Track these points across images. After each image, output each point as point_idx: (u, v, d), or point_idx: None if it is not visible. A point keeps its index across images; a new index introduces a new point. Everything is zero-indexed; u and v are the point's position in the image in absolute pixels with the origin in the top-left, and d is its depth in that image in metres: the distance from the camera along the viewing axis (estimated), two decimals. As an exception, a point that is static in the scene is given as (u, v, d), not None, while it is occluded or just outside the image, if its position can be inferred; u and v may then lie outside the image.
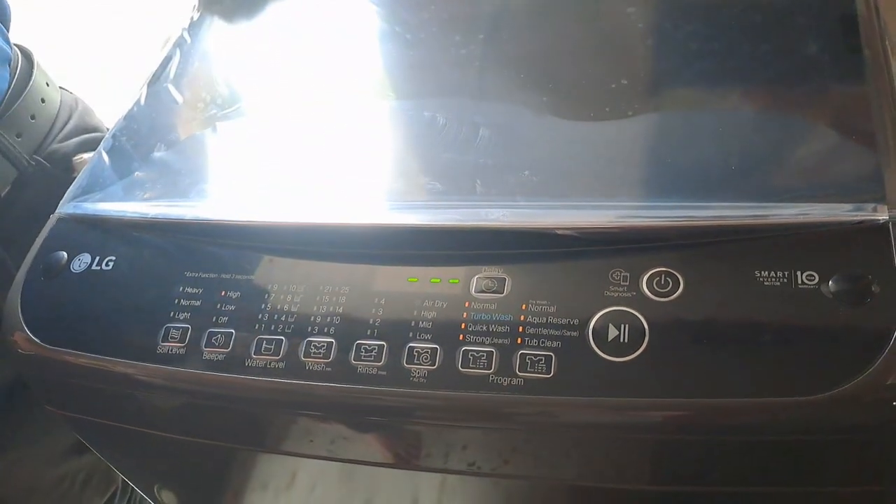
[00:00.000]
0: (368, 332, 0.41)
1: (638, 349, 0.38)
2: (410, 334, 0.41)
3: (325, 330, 0.42)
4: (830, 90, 0.46)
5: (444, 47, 0.58)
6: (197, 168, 0.55)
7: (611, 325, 0.38)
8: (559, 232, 0.42)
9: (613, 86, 0.50)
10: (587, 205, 0.43)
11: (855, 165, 0.41)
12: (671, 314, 0.38)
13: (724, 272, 0.39)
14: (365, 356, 0.41)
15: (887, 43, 0.46)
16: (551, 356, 0.38)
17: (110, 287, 0.47)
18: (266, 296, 0.44)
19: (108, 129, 0.69)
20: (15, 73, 0.64)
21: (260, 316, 0.43)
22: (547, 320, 0.39)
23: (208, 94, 0.61)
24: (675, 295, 0.38)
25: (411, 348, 0.40)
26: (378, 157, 0.52)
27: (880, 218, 0.38)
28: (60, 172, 0.65)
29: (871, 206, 0.38)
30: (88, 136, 0.70)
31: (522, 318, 0.40)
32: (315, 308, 0.43)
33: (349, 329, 0.42)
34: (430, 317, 0.41)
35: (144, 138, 0.58)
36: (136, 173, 0.55)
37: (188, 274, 0.46)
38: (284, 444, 0.48)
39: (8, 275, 0.52)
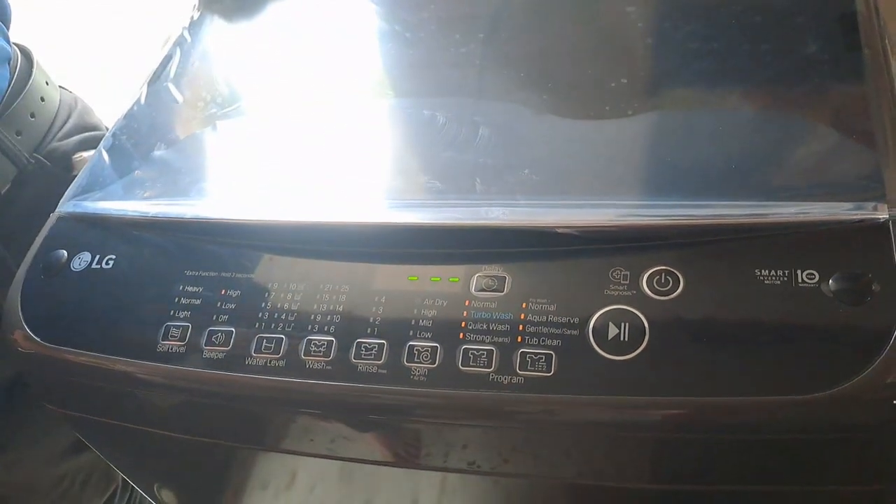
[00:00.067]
0: (369, 331, 0.41)
1: (638, 348, 0.38)
2: (410, 333, 0.41)
3: (326, 328, 0.42)
4: (830, 89, 0.46)
5: (444, 46, 0.58)
6: (197, 167, 0.55)
7: (611, 324, 0.38)
8: (559, 231, 0.42)
9: (613, 85, 0.50)
10: (587, 203, 0.43)
11: (855, 164, 0.41)
12: (671, 313, 0.38)
13: (724, 271, 0.39)
14: (365, 355, 0.41)
15: (887, 42, 0.47)
16: (551, 355, 0.38)
17: (110, 285, 0.47)
18: (266, 294, 0.44)
19: (107, 128, 0.69)
20: (15, 72, 0.64)
21: (260, 314, 0.43)
22: (547, 319, 0.39)
23: (208, 93, 0.61)
24: (675, 294, 0.39)
25: (411, 347, 0.40)
26: (378, 155, 0.52)
27: (880, 217, 0.38)
28: (60, 171, 0.65)
29: (871, 204, 0.38)
30: (88, 134, 0.70)
31: (523, 316, 0.40)
32: (315, 306, 0.43)
33: (349, 327, 0.42)
34: (430, 315, 0.41)
35: (144, 137, 0.58)
36: (137, 172, 0.55)
37: (188, 272, 0.46)
38: (284, 443, 0.48)
39: (8, 273, 0.52)
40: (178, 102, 0.60)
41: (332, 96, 0.58)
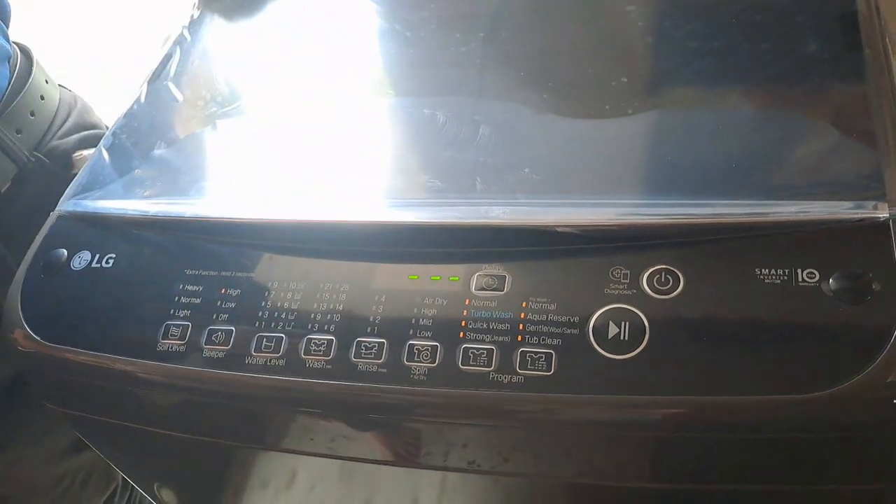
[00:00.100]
0: (369, 330, 0.41)
1: (638, 347, 0.38)
2: (411, 332, 0.41)
3: (326, 327, 0.42)
4: (831, 88, 0.46)
5: (445, 45, 0.58)
6: (197, 166, 0.55)
7: (611, 323, 0.38)
8: (559, 230, 0.42)
9: (613, 84, 0.50)
10: (587, 202, 0.43)
11: (855, 163, 0.41)
12: (671, 312, 0.38)
13: (724, 270, 0.39)
14: (365, 353, 0.41)
15: (888, 41, 0.46)
16: (551, 354, 0.38)
17: (110, 284, 0.47)
18: (266, 293, 0.44)
19: (107, 127, 0.70)
20: (14, 71, 0.64)
21: (260, 313, 0.43)
22: (547, 318, 0.39)
23: (208, 92, 0.61)
24: (675, 292, 0.38)
25: (411, 346, 0.40)
26: (378, 154, 0.52)
27: (881, 216, 0.38)
28: (60, 169, 0.65)
29: (871, 203, 0.38)
30: (88, 133, 0.70)
31: (523, 315, 0.40)
32: (315, 305, 0.43)
33: (349, 326, 0.42)
34: (430, 314, 0.41)
35: (144, 136, 0.58)
36: (136, 171, 0.55)
37: (188, 271, 0.46)
38: (284, 442, 0.48)
39: (8, 271, 0.52)
40: (178, 101, 0.60)
41: (332, 95, 0.58)
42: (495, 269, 0.42)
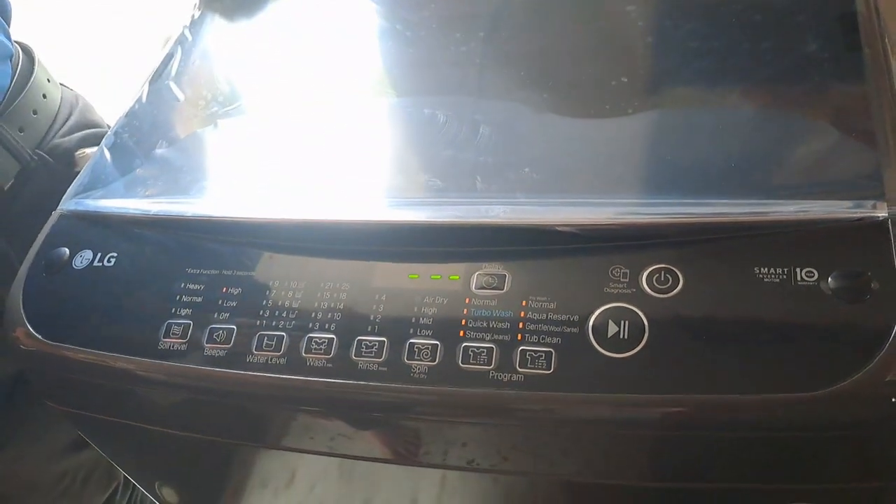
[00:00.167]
0: (369, 329, 0.41)
1: (638, 345, 0.38)
2: (411, 330, 0.41)
3: (326, 326, 0.42)
4: (830, 88, 0.46)
5: (445, 45, 0.58)
6: (198, 165, 0.56)
7: (611, 322, 0.38)
8: (559, 229, 0.42)
9: (613, 83, 0.50)
10: (587, 202, 0.43)
11: (854, 163, 0.41)
12: (671, 311, 0.38)
13: (723, 269, 0.39)
14: (366, 352, 0.41)
15: (887, 41, 0.47)
16: (551, 352, 0.38)
17: (112, 283, 0.47)
18: (267, 292, 0.44)
19: (108, 126, 0.70)
20: (16, 69, 0.65)
21: (261, 312, 0.43)
22: (547, 317, 0.39)
23: (210, 91, 0.61)
24: (674, 291, 0.39)
25: (412, 344, 0.40)
26: (378, 154, 0.52)
27: (880, 215, 0.38)
28: (62, 167, 0.66)
29: (870, 203, 0.38)
30: (90, 131, 0.71)
31: (522, 314, 0.40)
32: (316, 304, 0.43)
33: (350, 325, 0.42)
34: (430, 313, 0.41)
35: (146, 135, 0.58)
36: (138, 170, 0.55)
37: (189, 270, 0.46)
38: (285, 441, 0.48)
39: (11, 269, 0.52)
40: (179, 101, 0.60)
41: (332, 95, 0.58)
42: (495, 268, 0.42)
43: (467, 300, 0.41)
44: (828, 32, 0.49)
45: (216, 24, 0.68)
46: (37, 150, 0.65)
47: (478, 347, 0.39)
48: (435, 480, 0.48)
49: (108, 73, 1.63)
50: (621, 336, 0.38)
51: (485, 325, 0.40)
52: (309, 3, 0.68)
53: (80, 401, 0.51)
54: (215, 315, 0.44)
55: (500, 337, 0.39)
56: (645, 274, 0.39)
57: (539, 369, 0.38)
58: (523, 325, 0.39)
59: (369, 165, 0.51)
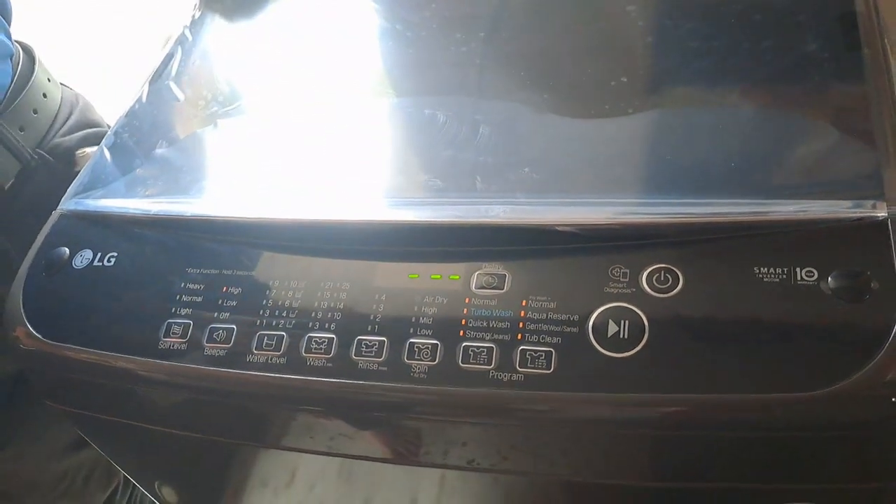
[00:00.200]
0: (369, 328, 0.41)
1: (638, 345, 0.38)
2: (411, 330, 0.41)
3: (326, 326, 0.42)
4: (830, 88, 0.46)
5: (445, 45, 0.58)
6: (198, 165, 0.56)
7: (611, 321, 0.38)
8: (559, 228, 0.42)
9: (613, 83, 0.50)
10: (587, 201, 0.43)
11: (854, 163, 0.41)
12: (671, 310, 0.38)
13: (723, 269, 0.39)
14: (366, 352, 0.41)
15: (886, 41, 0.47)
16: (551, 352, 0.38)
17: (112, 283, 0.47)
18: (267, 292, 0.44)
19: (108, 126, 0.70)
20: (17, 69, 0.65)
21: (261, 312, 0.43)
22: (547, 316, 0.39)
23: (210, 91, 0.61)
24: (674, 291, 0.39)
25: (412, 344, 0.40)
26: (379, 154, 0.52)
27: (879, 215, 0.38)
28: (63, 166, 0.66)
29: (870, 202, 0.38)
30: (90, 131, 0.71)
31: (523, 314, 0.40)
32: (316, 304, 0.43)
33: (350, 325, 0.42)
34: (430, 313, 0.41)
35: (146, 135, 0.58)
36: (138, 170, 0.55)
37: (190, 270, 0.46)
38: (285, 440, 0.48)
39: (11, 267, 0.52)
40: (179, 101, 0.60)
41: (332, 95, 0.58)
42: (495, 267, 0.42)
43: (467, 300, 0.41)
44: (827, 32, 0.49)
45: (216, 24, 0.68)
46: (37, 150, 0.65)
47: (478, 347, 0.39)
48: (435, 480, 0.48)
49: (108, 73, 1.63)
50: (621, 336, 0.38)
51: (485, 324, 0.40)
52: (309, 3, 0.68)
53: (79, 400, 0.51)
54: (215, 315, 0.44)
55: (501, 337, 0.39)
56: (645, 274, 0.39)
57: (539, 369, 0.38)
58: (523, 324, 0.39)
59: (369, 165, 0.51)
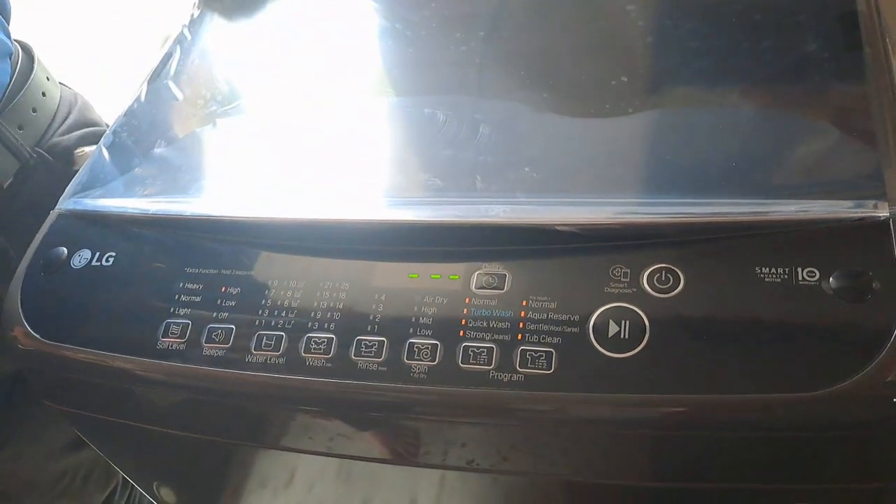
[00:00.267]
0: (369, 328, 0.41)
1: (638, 345, 0.38)
2: (411, 330, 0.41)
3: (326, 326, 0.42)
4: (831, 88, 0.46)
5: (445, 44, 0.58)
6: (197, 164, 0.56)
7: (611, 322, 0.38)
8: (560, 228, 0.42)
9: (613, 83, 0.50)
10: (588, 201, 0.43)
11: (855, 162, 0.41)
12: (672, 310, 0.38)
13: (724, 269, 0.39)
14: (365, 352, 0.41)
15: (888, 41, 0.47)
16: (552, 352, 0.38)
17: (110, 283, 0.47)
18: (266, 291, 0.44)
19: (107, 125, 0.70)
20: (16, 68, 0.65)
21: (260, 312, 0.43)
22: (547, 316, 0.39)
23: (208, 90, 0.61)
24: (675, 291, 0.38)
25: (412, 344, 0.40)
26: (378, 153, 0.52)
27: (881, 215, 0.38)
28: (62, 165, 0.66)
29: (871, 202, 0.38)
30: (89, 130, 0.71)
31: (523, 314, 0.40)
32: (315, 304, 0.43)
33: (349, 325, 0.42)
34: (430, 313, 0.41)
35: (145, 135, 0.58)
36: (137, 169, 0.55)
37: (188, 270, 0.46)
38: (284, 440, 0.48)
39: (10, 267, 0.52)
40: (178, 100, 0.60)
41: (332, 94, 0.58)
42: (495, 267, 0.42)
43: (467, 300, 0.41)
44: (828, 32, 0.49)
45: (215, 24, 0.68)
46: (36, 149, 0.65)
47: (478, 347, 0.39)
48: (434, 480, 0.48)
49: (107, 73, 1.63)
50: (622, 336, 0.38)
51: (485, 324, 0.40)
52: (309, 2, 0.68)
53: (78, 400, 0.51)
54: (214, 315, 0.44)
55: (501, 337, 0.39)
56: (646, 274, 0.39)
57: (539, 369, 0.38)
58: (523, 324, 0.39)
59: (369, 165, 0.51)
